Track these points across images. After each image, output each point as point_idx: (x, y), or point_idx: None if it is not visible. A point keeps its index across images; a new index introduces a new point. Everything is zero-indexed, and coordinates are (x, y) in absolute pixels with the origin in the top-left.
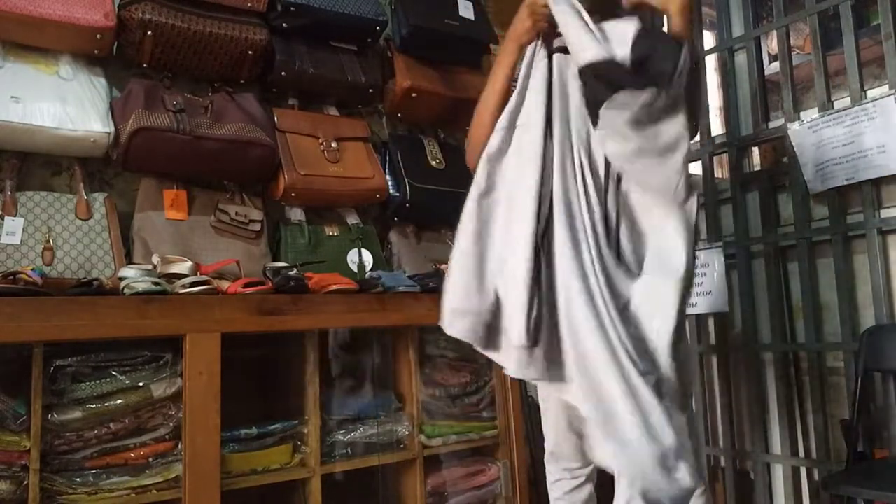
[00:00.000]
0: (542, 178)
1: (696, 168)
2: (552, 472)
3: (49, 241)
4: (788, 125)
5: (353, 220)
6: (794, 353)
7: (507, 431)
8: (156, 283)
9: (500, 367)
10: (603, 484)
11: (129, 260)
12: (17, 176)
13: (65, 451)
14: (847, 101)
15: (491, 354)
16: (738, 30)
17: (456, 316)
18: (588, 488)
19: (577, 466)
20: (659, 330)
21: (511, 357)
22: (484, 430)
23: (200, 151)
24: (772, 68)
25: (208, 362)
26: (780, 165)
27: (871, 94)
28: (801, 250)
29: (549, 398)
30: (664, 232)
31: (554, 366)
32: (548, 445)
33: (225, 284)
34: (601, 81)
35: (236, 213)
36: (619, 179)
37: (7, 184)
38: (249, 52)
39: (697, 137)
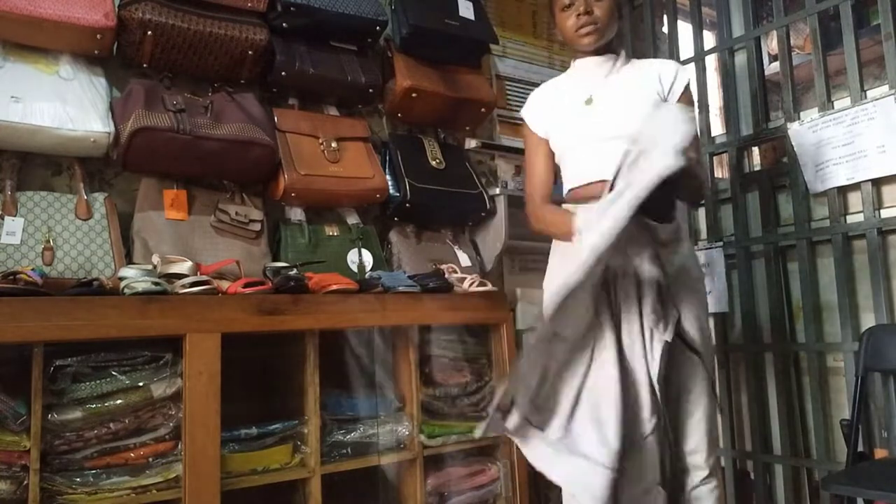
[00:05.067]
0: None
1: None
2: None
3: (49, 241)
4: (788, 125)
5: (353, 220)
6: (794, 353)
7: None
8: (156, 283)
9: (498, 367)
10: None
11: (129, 260)
12: (17, 176)
13: (65, 451)
14: (847, 101)
15: None
16: (738, 30)
17: None
18: None
19: None
20: None
21: None
22: None
23: (200, 151)
24: (772, 68)
25: (208, 362)
26: (780, 165)
27: (871, 94)
28: (801, 250)
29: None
30: None
31: None
32: None
33: (225, 284)
34: None
35: (236, 213)
36: None
37: (7, 184)
38: (249, 52)
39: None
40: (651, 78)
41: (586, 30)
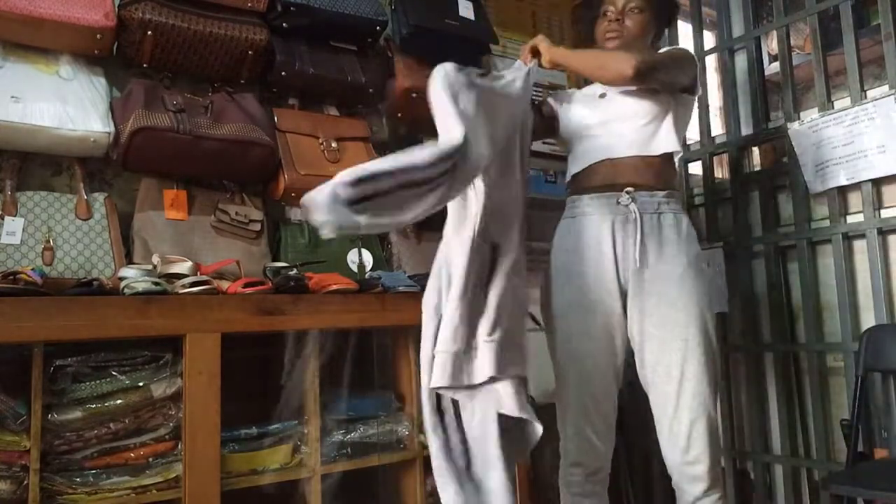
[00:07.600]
0: None
1: (696, 168)
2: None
3: (49, 241)
4: (788, 125)
5: None
6: (794, 353)
7: None
8: (156, 283)
9: None
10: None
11: (129, 260)
12: (17, 176)
13: (65, 451)
14: (847, 101)
15: None
16: (738, 30)
17: None
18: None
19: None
20: None
21: None
22: None
23: (200, 151)
24: (772, 68)
25: (208, 362)
26: (780, 165)
27: (871, 94)
28: (801, 250)
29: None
30: None
31: None
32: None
33: (225, 284)
34: None
35: (236, 213)
36: None
37: (7, 184)
38: (249, 52)
39: (697, 137)
40: None
41: (611, 35)
